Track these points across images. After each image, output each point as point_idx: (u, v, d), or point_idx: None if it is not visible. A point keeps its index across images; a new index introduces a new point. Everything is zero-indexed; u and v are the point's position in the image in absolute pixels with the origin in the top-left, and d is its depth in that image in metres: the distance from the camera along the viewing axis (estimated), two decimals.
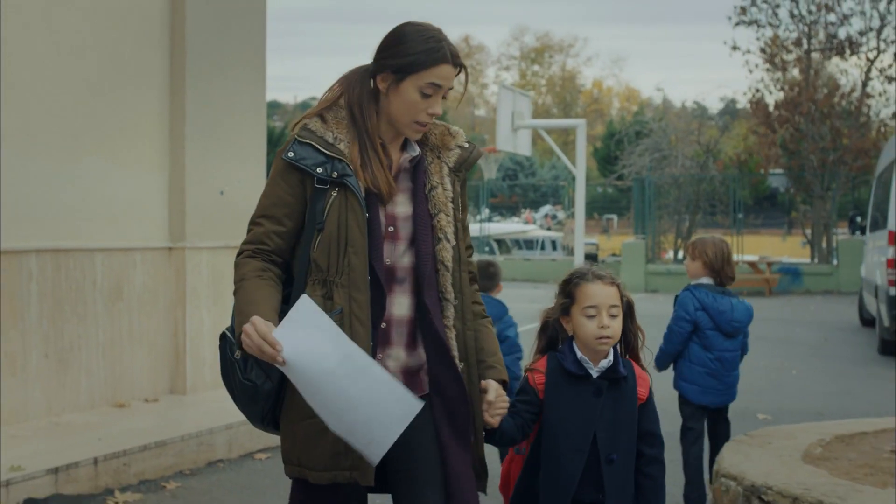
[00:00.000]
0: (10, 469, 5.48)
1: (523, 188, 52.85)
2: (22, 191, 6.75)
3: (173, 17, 7.75)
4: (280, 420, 2.84)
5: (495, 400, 2.89)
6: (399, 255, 2.85)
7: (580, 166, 18.08)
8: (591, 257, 28.74)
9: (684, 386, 5.30)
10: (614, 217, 48.62)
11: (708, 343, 5.25)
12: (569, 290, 3.14)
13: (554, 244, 37.28)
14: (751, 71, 26.89)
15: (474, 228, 32.80)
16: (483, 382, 2.91)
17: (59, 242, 6.97)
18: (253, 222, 2.88)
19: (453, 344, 2.87)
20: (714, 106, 54.99)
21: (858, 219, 17.49)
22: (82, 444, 6.15)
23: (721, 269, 5.34)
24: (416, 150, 2.91)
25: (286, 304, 2.79)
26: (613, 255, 30.48)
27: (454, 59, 2.84)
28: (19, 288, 6.67)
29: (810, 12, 25.94)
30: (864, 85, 26.31)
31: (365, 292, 2.76)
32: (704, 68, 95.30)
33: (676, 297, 5.38)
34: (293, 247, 2.86)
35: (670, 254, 27.98)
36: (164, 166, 7.83)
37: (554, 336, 3.20)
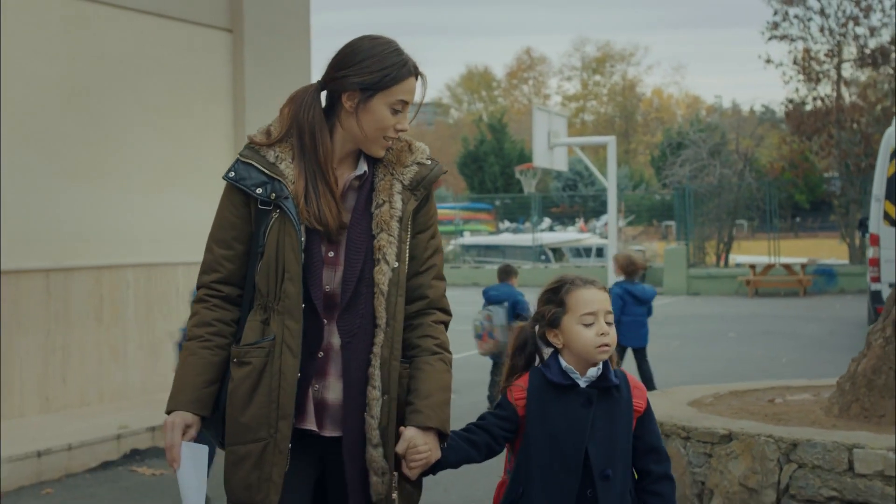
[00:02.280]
0: (119, 427, 7.37)
1: (583, 198, 54.24)
2: (121, 219, 8.67)
3: (234, 79, 9.65)
4: None
5: (406, 451, 2.67)
6: (339, 281, 2.72)
7: (611, 179, 19.69)
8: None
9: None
10: (673, 224, 49.73)
11: (627, 310, 8.98)
12: (559, 298, 2.87)
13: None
14: (786, 82, 28.24)
15: (526, 238, 34.35)
16: (400, 429, 2.70)
17: (149, 258, 8.88)
18: (206, 248, 2.79)
19: (376, 374, 2.69)
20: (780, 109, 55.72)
21: (868, 222, 18.85)
22: None
23: (623, 269, 9.35)
24: (363, 169, 2.77)
25: (239, 325, 2.76)
26: None
27: (416, 71, 2.76)
28: (120, 294, 8.60)
29: (841, 25, 27.22)
30: None
31: (299, 321, 2.65)
32: (764, 72, 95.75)
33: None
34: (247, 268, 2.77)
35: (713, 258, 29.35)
36: None
37: (532, 354, 2.94)
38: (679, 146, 32.11)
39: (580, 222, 43.15)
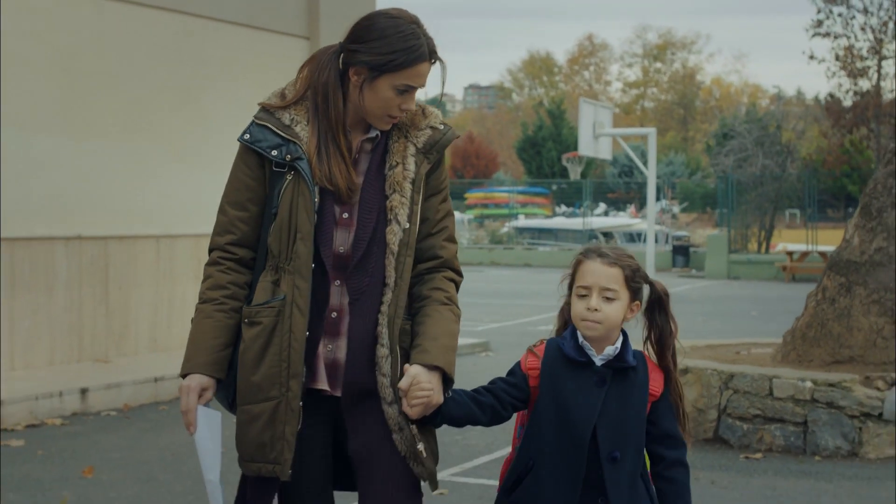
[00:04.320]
0: None
1: (639, 184, 55.38)
2: (216, 196, 10.43)
3: None
4: None
5: (409, 387, 2.64)
6: (352, 242, 2.74)
7: (651, 169, 21.14)
8: (681, 249, 31.63)
9: None
10: (725, 211, 50.70)
11: None
12: (573, 268, 2.84)
13: (670, 238, 39.78)
14: (828, 78, 29.44)
15: (578, 222, 35.88)
16: (405, 367, 2.69)
17: None
18: (219, 210, 2.80)
19: (384, 332, 2.71)
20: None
21: None
22: None
23: None
24: (376, 132, 2.78)
25: (252, 289, 2.76)
26: None
27: (431, 55, 2.71)
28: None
29: (882, 24, 28.37)
30: None
31: (308, 280, 2.68)
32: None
33: None
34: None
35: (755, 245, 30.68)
36: None
37: (567, 322, 2.87)
38: (725, 136, 33.39)
39: (631, 208, 44.40)
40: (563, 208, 44.26)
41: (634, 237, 38.85)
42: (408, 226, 2.73)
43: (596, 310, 2.72)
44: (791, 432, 6.58)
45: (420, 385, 2.64)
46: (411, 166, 2.75)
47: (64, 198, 9.16)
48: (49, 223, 9.01)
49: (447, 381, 2.73)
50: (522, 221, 40.38)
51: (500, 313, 16.73)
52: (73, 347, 9.20)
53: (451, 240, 2.86)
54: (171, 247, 10.05)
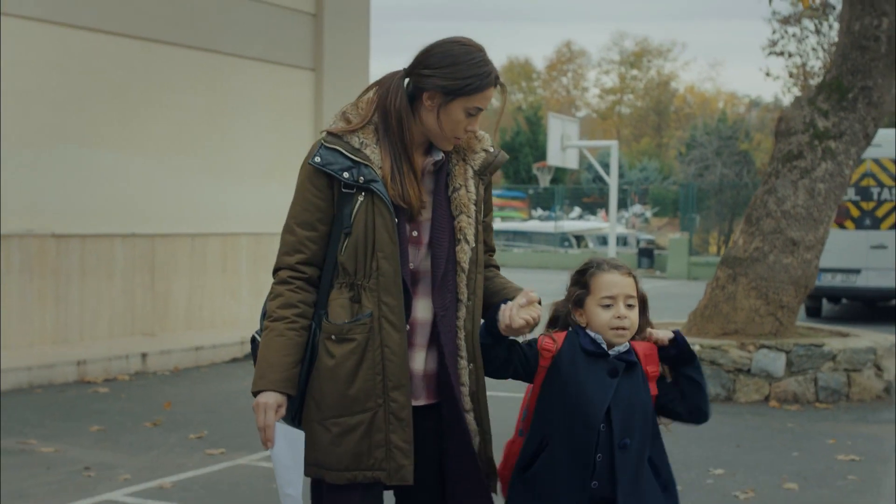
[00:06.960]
0: (241, 338, 11.34)
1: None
2: (240, 202, 12.64)
3: (315, 103, 13.60)
4: (303, 420, 2.88)
5: (528, 303, 2.84)
6: (422, 259, 2.88)
7: (613, 177, 23.35)
8: (647, 252, 33.82)
9: None
10: (696, 216, 52.79)
11: None
12: (584, 280, 3.00)
13: (638, 241, 41.77)
14: (784, 94, 31.70)
15: (549, 225, 38.07)
16: (525, 290, 2.89)
17: (257, 229, 12.85)
18: (286, 230, 2.91)
19: (462, 345, 2.87)
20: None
21: None
22: None
23: None
24: (440, 154, 2.93)
25: (323, 306, 2.85)
26: None
27: (497, 81, 2.90)
28: (237, 253, 12.59)
29: (831, 45, 30.66)
30: None
31: (398, 297, 2.79)
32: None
33: None
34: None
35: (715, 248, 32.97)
36: None
37: (565, 329, 3.02)
38: (688, 147, 35.67)
39: (602, 212, 46.44)
40: (539, 212, 46.12)
41: (605, 240, 40.81)
42: (475, 244, 2.94)
43: (625, 317, 2.92)
44: None
45: (535, 307, 2.85)
46: (472, 188, 2.95)
47: (121, 202, 11.35)
48: (110, 223, 11.20)
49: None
50: (498, 224, 42.34)
51: None
52: (126, 323, 11.38)
53: (493, 252, 3.16)
54: (203, 244, 12.23)
